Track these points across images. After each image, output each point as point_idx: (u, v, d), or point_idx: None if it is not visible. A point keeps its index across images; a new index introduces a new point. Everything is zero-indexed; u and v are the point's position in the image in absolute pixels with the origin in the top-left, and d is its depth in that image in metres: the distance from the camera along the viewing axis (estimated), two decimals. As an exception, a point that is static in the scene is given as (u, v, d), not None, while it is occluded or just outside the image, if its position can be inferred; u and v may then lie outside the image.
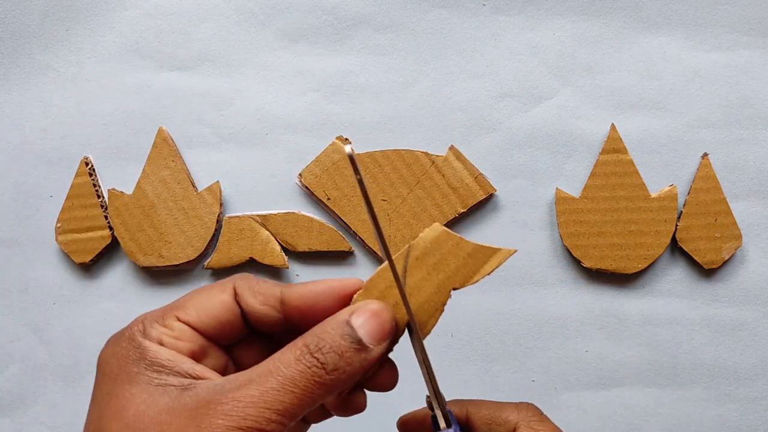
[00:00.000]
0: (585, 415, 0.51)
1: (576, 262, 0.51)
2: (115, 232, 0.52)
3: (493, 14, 0.51)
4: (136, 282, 0.53)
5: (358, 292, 0.28)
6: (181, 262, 0.51)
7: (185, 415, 0.24)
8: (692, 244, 0.50)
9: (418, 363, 0.29)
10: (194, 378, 0.26)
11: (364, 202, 0.26)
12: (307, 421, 0.31)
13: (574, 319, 0.51)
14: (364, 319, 0.26)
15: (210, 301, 0.28)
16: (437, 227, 0.28)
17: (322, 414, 0.31)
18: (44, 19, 0.52)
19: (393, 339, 0.28)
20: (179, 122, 0.52)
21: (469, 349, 0.51)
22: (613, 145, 0.50)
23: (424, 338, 0.29)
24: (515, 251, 0.28)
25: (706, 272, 0.51)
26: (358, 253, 0.52)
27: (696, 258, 0.50)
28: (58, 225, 0.52)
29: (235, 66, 0.52)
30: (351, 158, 0.24)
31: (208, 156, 0.52)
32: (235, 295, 0.29)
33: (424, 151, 0.50)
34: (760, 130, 0.50)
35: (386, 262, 0.27)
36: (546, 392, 0.51)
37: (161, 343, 0.27)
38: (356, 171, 0.24)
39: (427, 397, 0.30)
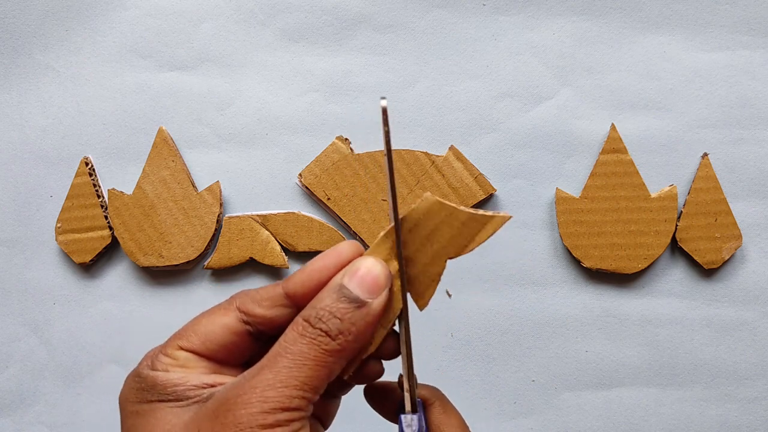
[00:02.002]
0: (585, 415, 0.51)
1: (576, 262, 0.51)
2: (115, 232, 0.52)
3: (493, 14, 0.51)
4: (136, 282, 0.53)
5: None
6: (181, 262, 0.51)
7: (209, 418, 0.24)
8: (692, 244, 0.50)
9: (400, 341, 0.29)
10: (211, 386, 0.26)
11: (386, 159, 0.26)
12: (335, 395, 0.31)
13: (574, 319, 0.51)
14: (356, 277, 0.26)
15: (212, 325, 0.28)
16: (429, 197, 0.28)
17: (344, 385, 0.31)
18: (44, 19, 0.52)
19: (396, 305, 0.28)
20: (179, 122, 0.52)
21: (469, 349, 0.51)
22: (613, 145, 0.50)
23: (422, 309, 0.28)
24: (510, 217, 0.28)
25: (706, 272, 0.51)
26: (358, 253, 0.52)
27: (696, 258, 0.50)
28: (58, 225, 0.52)
29: (235, 66, 0.52)
30: (384, 111, 0.25)
31: (208, 156, 0.52)
32: (241, 312, 0.28)
33: (424, 151, 0.50)
34: (760, 130, 0.50)
35: (381, 235, 0.27)
36: (546, 392, 0.51)
37: (167, 371, 0.27)
38: (385, 123, 0.25)
39: (400, 376, 0.30)
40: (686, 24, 0.50)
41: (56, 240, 0.52)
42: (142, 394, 0.26)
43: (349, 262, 0.28)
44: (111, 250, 0.53)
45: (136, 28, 0.52)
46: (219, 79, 0.52)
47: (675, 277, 0.51)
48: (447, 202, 0.28)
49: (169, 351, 0.27)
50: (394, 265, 0.28)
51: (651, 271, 0.51)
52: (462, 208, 0.28)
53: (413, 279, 0.28)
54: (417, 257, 0.28)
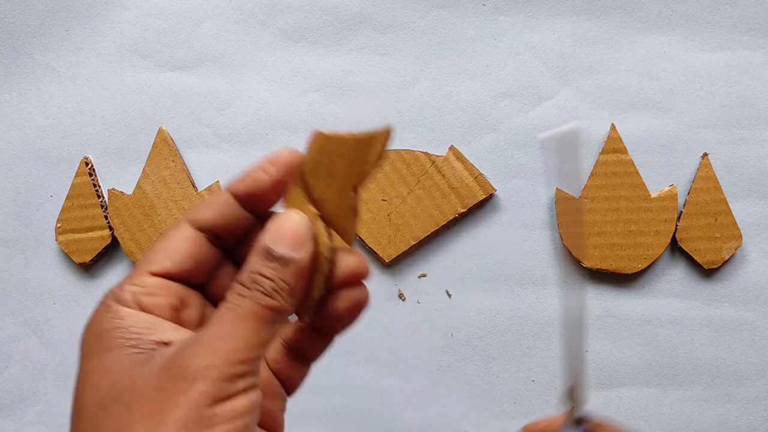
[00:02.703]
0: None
1: (576, 262, 0.51)
2: (115, 232, 0.52)
3: (493, 14, 0.51)
4: (136, 282, 0.53)
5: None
6: (181, 262, 0.51)
7: (163, 369, 0.24)
8: (692, 244, 0.49)
9: (564, 342, 0.29)
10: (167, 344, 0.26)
11: None
12: (307, 358, 0.31)
13: (574, 319, 0.51)
14: (277, 235, 0.27)
15: (172, 242, 0.28)
16: (316, 133, 0.28)
17: (319, 344, 0.31)
18: (44, 19, 0.52)
19: (317, 243, 0.28)
20: (179, 122, 0.52)
21: (469, 349, 0.51)
22: (613, 145, 0.50)
23: (351, 245, 0.29)
24: (390, 130, 0.28)
25: (706, 272, 0.51)
26: (358, 253, 0.52)
27: (696, 258, 0.50)
28: (58, 225, 0.52)
29: (235, 66, 0.52)
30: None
31: (208, 156, 0.52)
32: (192, 222, 0.29)
33: (424, 151, 0.50)
34: (760, 130, 0.50)
35: (290, 187, 0.28)
36: (546, 392, 0.51)
37: (139, 304, 0.27)
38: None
39: (568, 387, 0.29)
40: (686, 24, 0.50)
41: (56, 240, 0.52)
42: (101, 336, 0.26)
43: (287, 164, 0.29)
44: (111, 250, 0.53)
45: (136, 28, 0.52)
46: (219, 79, 0.52)
47: (675, 277, 0.51)
48: (331, 133, 0.28)
49: (137, 279, 0.27)
50: (310, 210, 0.28)
51: (651, 271, 0.51)
52: (345, 133, 0.28)
53: (331, 219, 0.29)
54: (327, 196, 0.28)
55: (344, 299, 0.29)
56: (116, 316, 0.26)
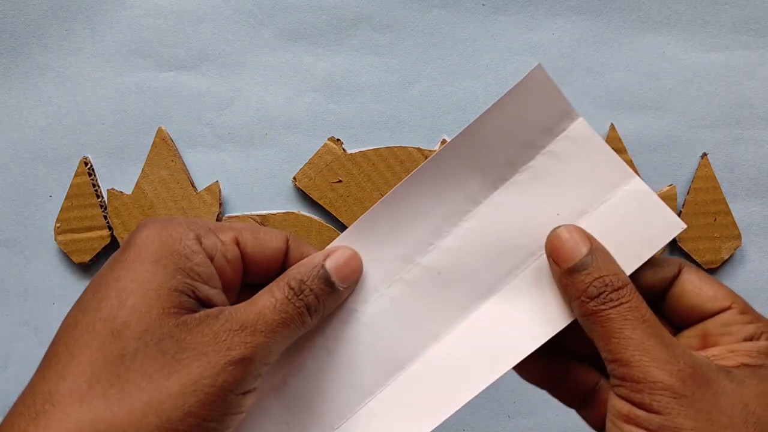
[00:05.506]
0: (584, 414, 0.51)
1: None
2: (114, 232, 0.52)
3: (492, 14, 0.51)
4: (136, 282, 0.53)
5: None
6: (181, 262, 0.51)
7: (214, 333, 0.24)
8: (691, 243, 0.50)
9: None
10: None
11: None
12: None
13: (574, 319, 0.51)
14: (337, 264, 0.28)
15: (271, 237, 0.28)
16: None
17: None
18: (43, 19, 0.52)
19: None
20: (179, 122, 0.52)
21: (468, 348, 0.51)
22: (613, 145, 0.50)
23: None
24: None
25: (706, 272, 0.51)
26: (358, 253, 0.52)
27: (695, 258, 0.50)
28: (58, 225, 0.52)
29: (234, 66, 0.52)
30: None
31: (208, 156, 0.52)
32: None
33: (417, 146, 0.50)
34: (760, 130, 0.50)
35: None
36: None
37: (212, 258, 0.26)
38: None
39: None
40: (685, 24, 0.50)
41: (55, 240, 0.52)
42: (170, 255, 0.25)
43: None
44: (110, 250, 0.53)
45: (135, 28, 0.52)
46: (218, 78, 0.52)
47: (674, 276, 0.51)
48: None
49: (224, 238, 0.27)
50: None
51: (650, 270, 0.51)
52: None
53: None
54: None
55: None
56: (195, 252, 0.26)
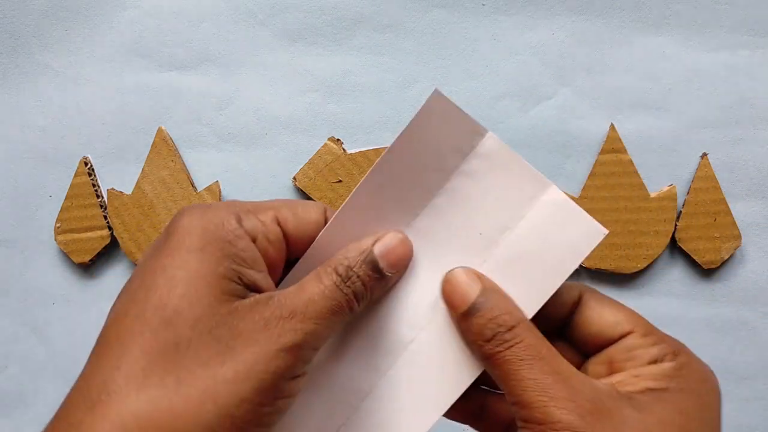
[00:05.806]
0: (584, 414, 0.51)
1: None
2: (114, 232, 0.52)
3: (492, 14, 0.51)
4: (136, 282, 0.53)
5: None
6: (181, 262, 0.51)
7: (266, 319, 0.24)
8: (691, 243, 0.50)
9: None
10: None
11: None
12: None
13: (574, 319, 0.51)
14: (386, 249, 0.27)
15: (310, 210, 0.28)
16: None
17: None
18: (43, 19, 0.52)
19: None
20: (178, 122, 0.52)
21: (468, 349, 0.51)
22: (613, 145, 0.50)
23: None
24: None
25: (706, 272, 0.51)
26: (358, 253, 0.52)
27: (695, 258, 0.50)
28: (58, 225, 0.52)
29: (234, 66, 0.52)
30: None
31: (208, 156, 0.52)
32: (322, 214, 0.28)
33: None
34: (760, 130, 0.50)
35: None
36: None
37: (254, 240, 0.26)
38: None
39: None
40: (686, 24, 0.50)
41: (55, 240, 0.52)
42: (215, 242, 0.25)
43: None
44: (110, 250, 0.53)
45: (135, 28, 0.52)
46: (218, 78, 0.52)
47: (674, 277, 0.51)
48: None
49: (264, 218, 0.27)
50: None
51: (650, 271, 0.51)
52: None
53: None
54: None
55: None
56: (239, 237, 0.25)
